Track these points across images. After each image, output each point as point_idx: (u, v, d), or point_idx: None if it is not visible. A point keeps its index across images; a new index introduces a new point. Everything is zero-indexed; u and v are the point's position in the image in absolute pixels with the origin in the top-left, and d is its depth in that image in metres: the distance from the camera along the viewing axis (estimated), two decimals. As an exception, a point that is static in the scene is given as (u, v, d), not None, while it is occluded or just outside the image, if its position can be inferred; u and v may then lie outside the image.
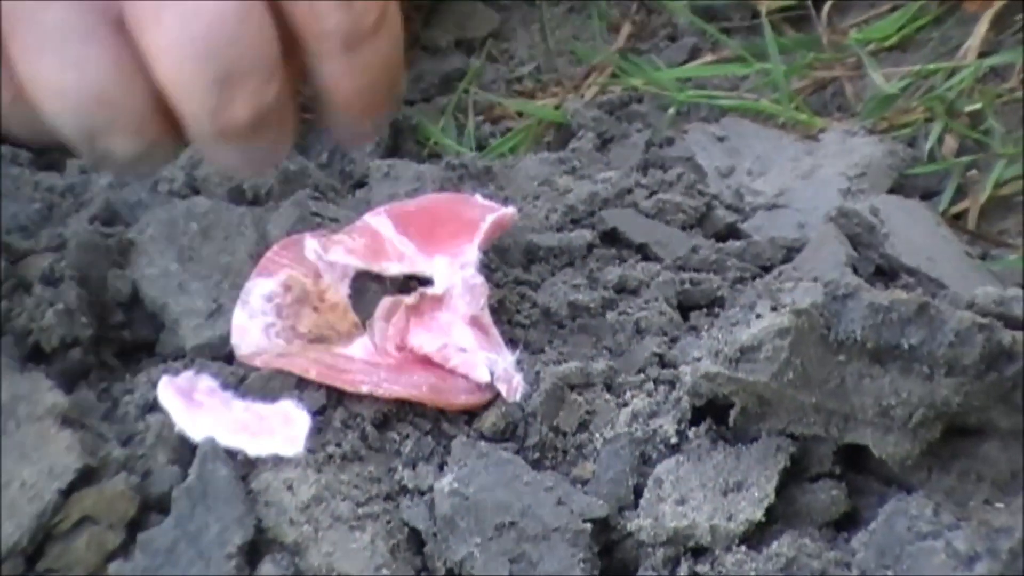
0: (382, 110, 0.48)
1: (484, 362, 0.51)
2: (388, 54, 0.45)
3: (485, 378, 0.51)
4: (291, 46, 0.44)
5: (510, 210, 0.58)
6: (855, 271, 0.59)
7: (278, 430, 0.48)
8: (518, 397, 0.51)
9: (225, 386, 0.51)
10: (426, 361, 0.52)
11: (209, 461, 0.47)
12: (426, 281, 0.55)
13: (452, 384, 0.51)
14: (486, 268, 0.57)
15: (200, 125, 0.44)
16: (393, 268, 0.55)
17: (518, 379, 0.51)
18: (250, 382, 0.51)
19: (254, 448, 0.47)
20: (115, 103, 0.43)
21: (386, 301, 0.53)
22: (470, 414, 0.51)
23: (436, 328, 0.53)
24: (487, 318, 0.53)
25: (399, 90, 0.48)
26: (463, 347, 0.52)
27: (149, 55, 0.42)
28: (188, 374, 0.51)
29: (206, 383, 0.51)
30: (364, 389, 0.49)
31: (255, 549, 0.46)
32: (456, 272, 0.54)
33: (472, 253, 0.55)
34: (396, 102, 0.49)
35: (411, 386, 0.50)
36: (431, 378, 0.51)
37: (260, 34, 0.42)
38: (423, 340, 0.52)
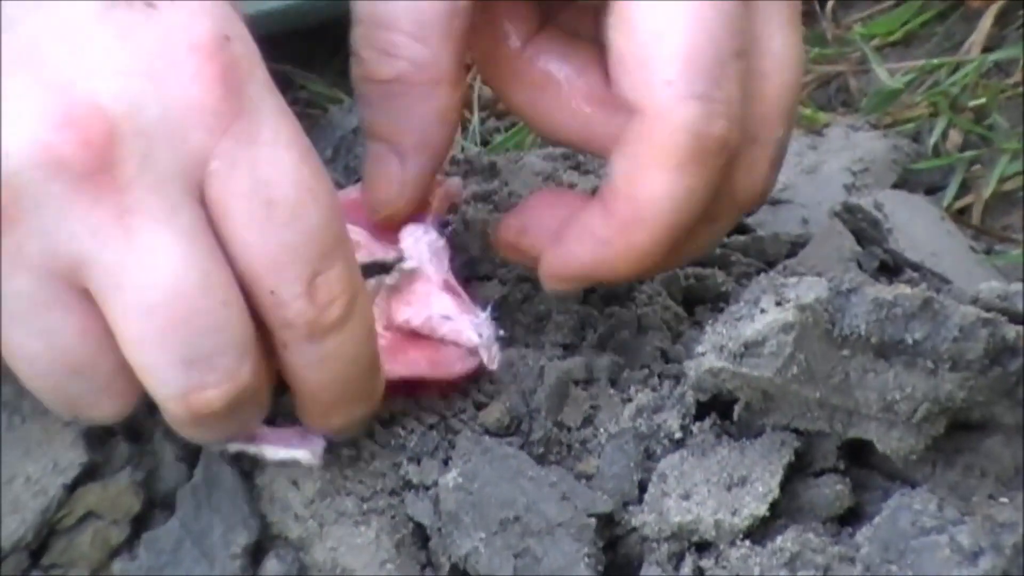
0: (354, 407, 0.46)
1: (470, 326, 0.51)
2: (357, 348, 0.44)
3: (474, 340, 0.51)
4: (263, 326, 0.42)
5: (455, 180, 0.58)
6: (859, 266, 0.59)
7: (294, 440, 0.48)
8: (495, 366, 0.51)
9: None
10: (415, 336, 0.52)
11: (215, 460, 0.47)
12: (387, 266, 0.54)
13: (446, 355, 0.51)
14: (490, 264, 0.56)
15: (173, 410, 0.42)
16: None
17: (495, 348, 0.51)
18: None
19: (272, 453, 0.47)
20: (86, 371, 0.42)
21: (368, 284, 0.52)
22: (476, 408, 0.51)
23: (416, 301, 0.52)
24: (453, 280, 0.53)
25: (374, 388, 0.46)
26: (445, 315, 0.52)
27: (113, 327, 0.40)
28: None
29: None
30: None
31: (260, 545, 0.46)
32: (421, 240, 0.53)
33: (429, 222, 0.54)
34: (370, 401, 0.47)
35: (410, 364, 0.50)
36: (426, 352, 0.51)
37: (226, 309, 0.40)
38: (408, 315, 0.52)
